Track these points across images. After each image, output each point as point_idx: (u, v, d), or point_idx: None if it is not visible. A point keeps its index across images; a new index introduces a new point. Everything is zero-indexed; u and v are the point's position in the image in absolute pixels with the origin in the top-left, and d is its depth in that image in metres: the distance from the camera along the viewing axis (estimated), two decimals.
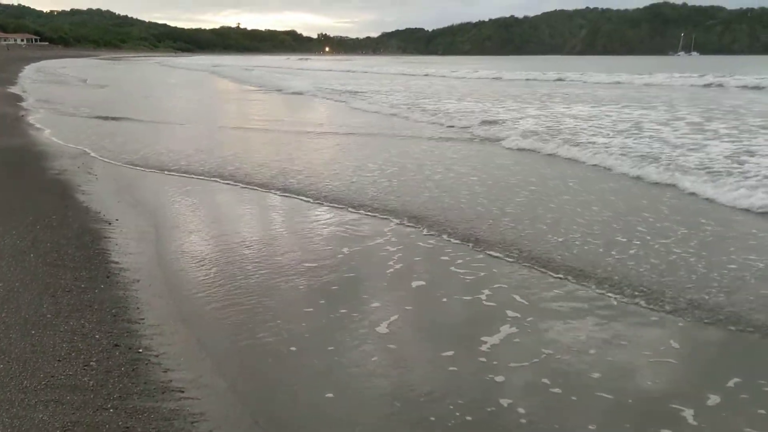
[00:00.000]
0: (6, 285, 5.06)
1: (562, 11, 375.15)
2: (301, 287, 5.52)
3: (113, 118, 17.77)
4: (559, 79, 42.92)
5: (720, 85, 34.24)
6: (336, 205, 8.28)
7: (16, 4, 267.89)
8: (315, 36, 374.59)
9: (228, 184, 9.60)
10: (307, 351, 4.36)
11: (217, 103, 26.54)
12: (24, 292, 4.96)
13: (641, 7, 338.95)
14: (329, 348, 4.41)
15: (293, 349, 4.39)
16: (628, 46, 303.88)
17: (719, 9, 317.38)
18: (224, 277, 5.71)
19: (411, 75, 53.75)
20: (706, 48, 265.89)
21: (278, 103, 25.72)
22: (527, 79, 44.47)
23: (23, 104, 21.31)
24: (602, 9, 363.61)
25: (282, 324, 4.77)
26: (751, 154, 11.64)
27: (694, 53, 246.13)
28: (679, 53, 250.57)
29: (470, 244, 6.62)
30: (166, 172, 10.45)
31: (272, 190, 9.14)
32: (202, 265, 6.05)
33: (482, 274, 5.80)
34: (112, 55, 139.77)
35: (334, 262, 6.11)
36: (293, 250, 6.50)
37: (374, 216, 7.77)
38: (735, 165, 10.50)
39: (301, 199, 8.56)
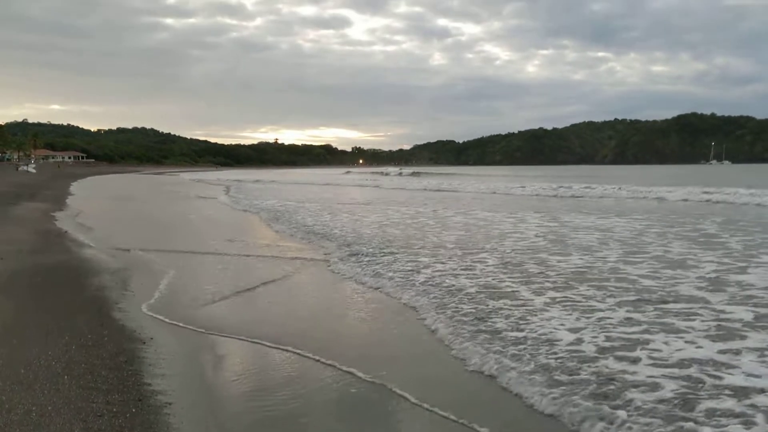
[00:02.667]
0: (39, 410, 5.05)
1: (590, 123, 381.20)
2: (344, 417, 5.44)
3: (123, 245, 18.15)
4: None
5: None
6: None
7: (66, 124, 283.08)
8: (349, 149, 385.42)
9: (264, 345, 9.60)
10: None
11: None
12: (56, 417, 4.94)
13: (669, 118, 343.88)
14: None
15: None
16: (659, 155, 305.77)
17: (748, 119, 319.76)
18: (259, 403, 5.66)
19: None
20: (738, 157, 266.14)
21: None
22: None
23: (65, 219, 21.97)
24: (630, 120, 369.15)
25: None
26: None
27: (726, 162, 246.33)
28: (711, 162, 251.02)
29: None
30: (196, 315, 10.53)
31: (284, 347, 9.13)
32: (237, 389, 6.01)
33: None
34: (153, 170, 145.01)
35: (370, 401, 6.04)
36: (327, 379, 6.44)
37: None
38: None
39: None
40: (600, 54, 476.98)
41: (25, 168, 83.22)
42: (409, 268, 11.92)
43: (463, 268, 11.97)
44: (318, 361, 6.75)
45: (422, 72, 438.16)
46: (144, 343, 7.23)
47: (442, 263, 12.48)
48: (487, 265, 12.17)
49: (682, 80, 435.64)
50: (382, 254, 13.73)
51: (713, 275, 10.98)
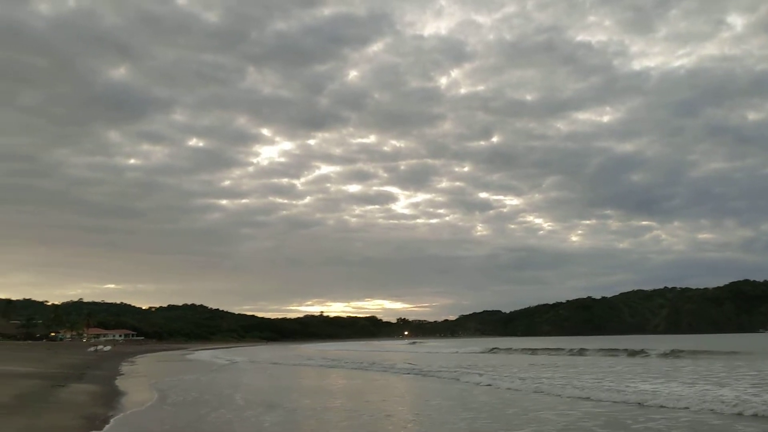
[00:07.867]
0: None
1: (639, 291, 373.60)
2: None
3: None
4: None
5: None
6: None
7: (119, 302, 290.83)
8: (394, 320, 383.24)
9: None
10: None
11: None
12: None
13: (721, 285, 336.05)
14: None
15: None
16: (715, 324, 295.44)
17: None
18: None
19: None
20: None
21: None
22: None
23: (112, 403, 22.49)
24: (681, 288, 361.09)
25: None
26: None
27: None
28: None
29: None
30: None
31: None
32: None
33: None
34: (199, 346, 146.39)
35: None
36: None
37: None
38: None
39: None
40: (644, 222, 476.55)
41: (96, 348, 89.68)
42: None
43: None
44: None
45: (465, 243, 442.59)
46: None
47: None
48: None
49: (730, 247, 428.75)
50: None
51: None
